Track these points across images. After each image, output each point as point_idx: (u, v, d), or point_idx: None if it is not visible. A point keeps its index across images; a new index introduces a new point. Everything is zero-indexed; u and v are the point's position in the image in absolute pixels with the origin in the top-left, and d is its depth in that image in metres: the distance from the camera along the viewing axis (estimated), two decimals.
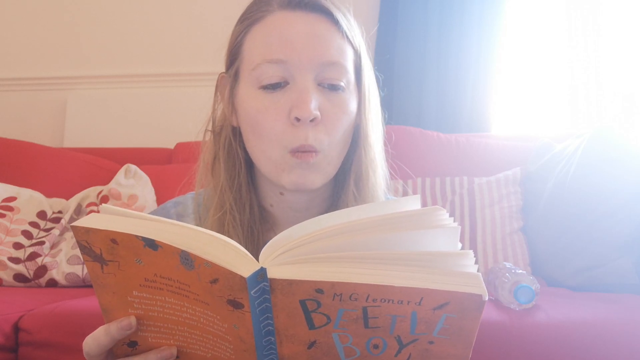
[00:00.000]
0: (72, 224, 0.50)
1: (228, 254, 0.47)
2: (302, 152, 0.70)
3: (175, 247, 0.47)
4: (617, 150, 1.60)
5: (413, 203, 0.53)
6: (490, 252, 1.69)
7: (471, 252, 0.47)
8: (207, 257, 0.46)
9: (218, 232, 0.72)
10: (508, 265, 1.43)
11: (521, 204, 1.75)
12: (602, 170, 1.59)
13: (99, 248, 0.50)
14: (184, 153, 2.14)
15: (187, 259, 0.47)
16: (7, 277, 1.73)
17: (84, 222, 0.50)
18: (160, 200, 1.93)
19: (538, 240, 1.70)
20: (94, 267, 0.52)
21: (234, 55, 0.76)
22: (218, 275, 0.46)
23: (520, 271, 1.35)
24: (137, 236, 0.48)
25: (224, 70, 0.79)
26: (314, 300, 0.46)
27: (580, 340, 1.17)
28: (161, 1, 2.52)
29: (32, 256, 1.75)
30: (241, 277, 0.45)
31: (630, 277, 1.50)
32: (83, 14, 2.56)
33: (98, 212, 0.51)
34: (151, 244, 0.48)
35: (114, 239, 0.49)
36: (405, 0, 2.24)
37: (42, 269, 1.74)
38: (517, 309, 1.26)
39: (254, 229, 0.76)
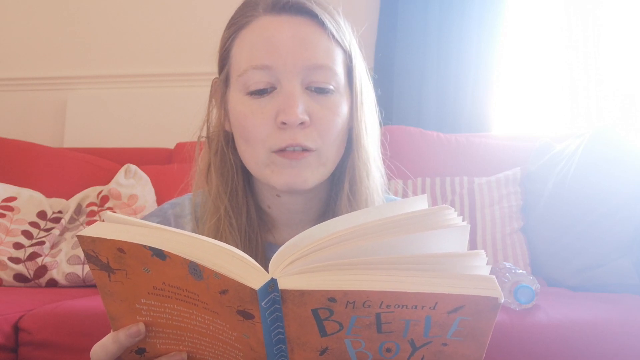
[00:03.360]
0: (77, 234, 0.50)
1: (237, 265, 0.46)
2: (290, 152, 0.69)
3: (183, 258, 0.46)
4: (617, 150, 1.60)
5: (420, 203, 0.52)
6: (490, 252, 1.69)
7: (483, 252, 0.47)
8: (216, 269, 0.45)
9: (214, 237, 0.72)
10: (508, 265, 1.43)
11: (521, 204, 1.75)
12: (602, 170, 1.59)
13: (105, 257, 0.50)
14: (184, 153, 2.11)
15: (195, 270, 0.47)
16: (7, 277, 1.73)
17: (89, 231, 0.50)
18: (160, 200, 1.93)
19: (538, 240, 1.70)
20: (101, 276, 0.52)
21: (223, 61, 0.75)
22: (227, 287, 0.46)
23: (520, 271, 1.35)
24: (144, 246, 0.47)
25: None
26: (327, 309, 0.46)
27: (580, 340, 1.17)
28: (161, 1, 2.51)
29: (32, 256, 1.75)
30: (251, 289, 0.45)
31: (630, 277, 1.50)
32: (83, 14, 2.55)
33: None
34: (159, 253, 0.47)
35: (121, 248, 0.49)
36: (405, 0, 2.24)
37: (42, 269, 1.74)
38: (517, 309, 1.26)
39: (252, 232, 0.76)
